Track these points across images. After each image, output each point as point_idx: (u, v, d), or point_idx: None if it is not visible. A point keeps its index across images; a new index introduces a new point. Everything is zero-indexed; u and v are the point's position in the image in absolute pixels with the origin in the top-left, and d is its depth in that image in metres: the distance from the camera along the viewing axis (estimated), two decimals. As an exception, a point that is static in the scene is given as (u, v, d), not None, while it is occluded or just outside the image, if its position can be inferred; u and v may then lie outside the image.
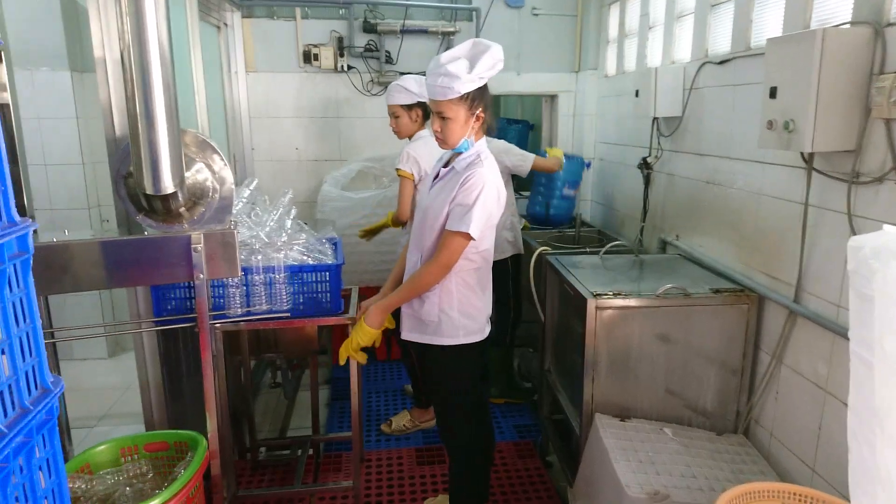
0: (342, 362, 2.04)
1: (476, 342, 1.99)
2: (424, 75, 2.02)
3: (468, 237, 1.81)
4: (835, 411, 1.77)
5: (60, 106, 3.58)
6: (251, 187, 2.71)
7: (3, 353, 0.83)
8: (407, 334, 2.03)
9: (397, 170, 2.73)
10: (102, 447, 1.93)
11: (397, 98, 2.77)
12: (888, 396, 0.94)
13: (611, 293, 2.10)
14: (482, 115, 1.88)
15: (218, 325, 2.08)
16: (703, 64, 2.50)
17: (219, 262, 1.89)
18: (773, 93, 1.79)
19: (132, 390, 3.47)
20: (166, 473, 1.96)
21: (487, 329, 2.05)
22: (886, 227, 0.98)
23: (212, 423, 2.03)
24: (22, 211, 1.88)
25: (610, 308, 2.08)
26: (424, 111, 2.80)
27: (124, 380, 3.60)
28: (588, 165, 3.64)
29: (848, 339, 1.02)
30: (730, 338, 2.12)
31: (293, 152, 3.96)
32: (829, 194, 1.80)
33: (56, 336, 2.01)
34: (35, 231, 1.05)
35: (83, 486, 1.80)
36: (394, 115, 2.82)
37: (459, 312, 1.94)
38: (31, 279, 0.94)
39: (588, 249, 2.89)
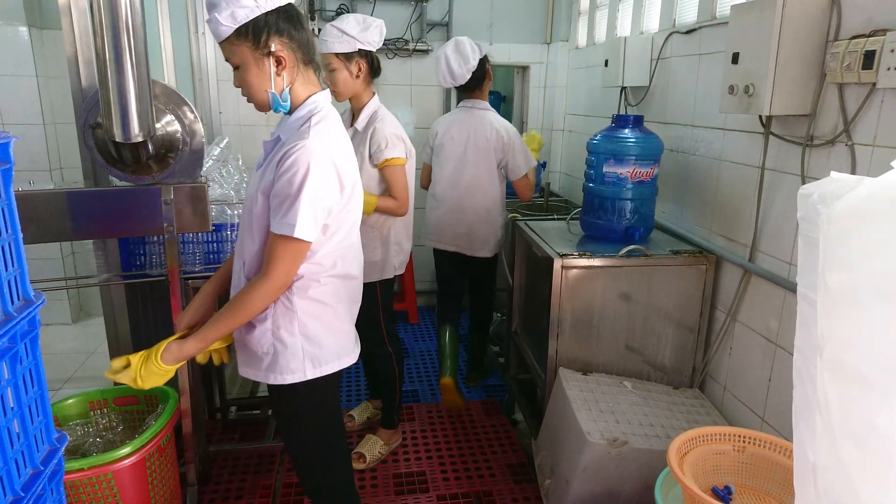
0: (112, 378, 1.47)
1: (331, 374, 1.50)
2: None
3: (299, 242, 1.34)
4: (783, 362, 1.88)
5: (19, 63, 3.46)
6: (221, 145, 2.69)
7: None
8: (241, 368, 1.54)
9: (385, 161, 2.22)
10: (71, 401, 1.93)
11: (332, 45, 2.18)
12: (828, 326, 1.02)
13: (576, 253, 2.17)
14: (279, 52, 1.37)
15: (189, 280, 2.08)
16: (671, 34, 2.56)
17: (189, 217, 1.89)
18: (735, 58, 1.86)
19: (97, 354, 3.44)
20: (137, 427, 1.97)
21: (351, 354, 1.56)
22: (833, 173, 1.06)
23: (183, 380, 2.04)
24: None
25: (575, 268, 2.15)
26: (371, 65, 2.27)
27: (89, 344, 3.56)
28: (543, 165, 3.78)
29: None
30: (688, 297, 2.22)
31: (261, 117, 3.91)
32: (785, 157, 1.88)
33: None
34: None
35: (52, 438, 1.81)
36: (328, 68, 2.22)
37: (304, 338, 1.44)
38: (12, 191, 0.94)
39: (556, 216, 2.95)
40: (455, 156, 2.80)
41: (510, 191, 2.94)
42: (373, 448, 2.50)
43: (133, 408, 1.99)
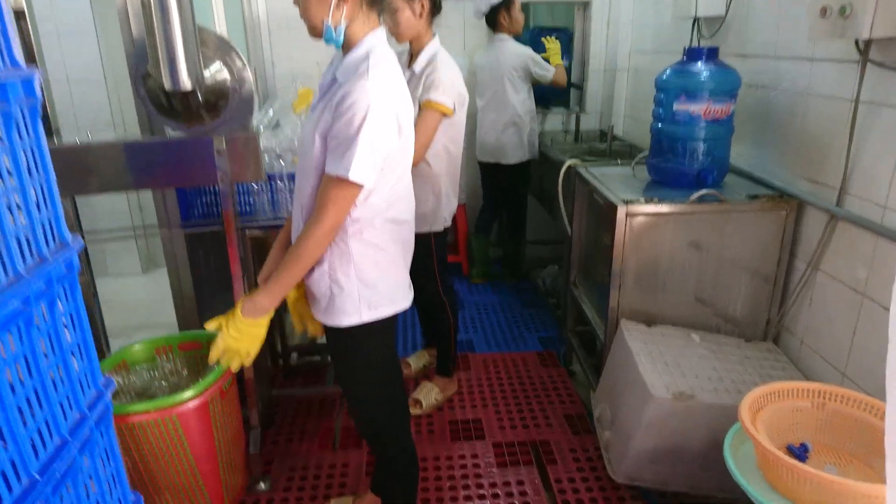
0: (216, 362, 1.50)
1: (387, 318, 1.51)
2: None
3: (353, 185, 1.31)
4: (872, 315, 1.73)
5: (79, 21, 3.52)
6: (274, 108, 2.64)
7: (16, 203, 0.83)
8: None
9: (428, 101, 2.10)
10: (138, 346, 2.00)
11: None
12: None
13: (642, 199, 2.04)
14: None
15: (246, 230, 2.09)
16: (752, -46, 2.30)
17: (242, 166, 1.87)
18: (829, -26, 1.64)
19: (166, 304, 3.59)
20: (201, 371, 2.03)
21: (405, 298, 1.57)
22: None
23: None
24: (48, 129, 1.88)
25: (641, 215, 2.03)
26: (433, 2, 2.15)
27: (159, 294, 3.70)
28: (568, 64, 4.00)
29: (893, 240, 0.95)
30: (765, 245, 2.06)
31: (314, 68, 3.85)
32: (885, 88, 1.67)
33: (87, 239, 2.04)
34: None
35: (121, 381, 1.88)
36: (391, 7, 2.07)
37: (359, 281, 1.45)
38: (41, 129, 0.92)
39: (619, 162, 2.79)
40: (484, 82, 3.41)
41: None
42: (429, 395, 2.51)
43: (197, 353, 2.05)
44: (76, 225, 2.02)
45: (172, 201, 2.14)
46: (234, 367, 1.50)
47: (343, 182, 1.31)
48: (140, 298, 3.69)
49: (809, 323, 2.01)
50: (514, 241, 3.82)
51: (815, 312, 1.98)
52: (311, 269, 1.46)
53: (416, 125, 2.14)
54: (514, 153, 3.41)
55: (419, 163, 2.21)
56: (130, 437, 1.66)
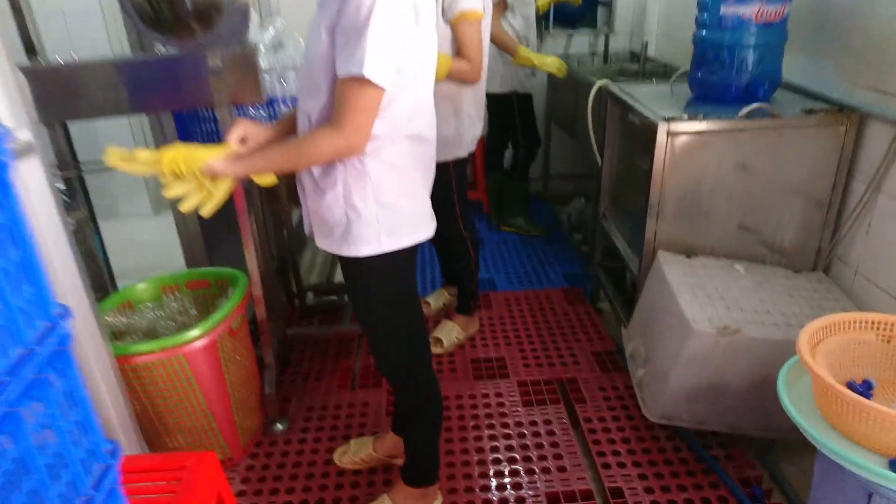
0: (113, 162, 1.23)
1: (408, 248, 1.36)
2: None
3: (372, 86, 1.12)
4: (945, 239, 1.54)
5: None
6: (276, 26, 2.42)
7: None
8: (318, 238, 1.40)
9: (461, 14, 1.90)
10: (143, 285, 1.90)
11: None
12: None
13: (685, 116, 1.83)
14: None
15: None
16: None
17: (241, 86, 1.70)
18: None
19: (176, 245, 3.49)
20: (210, 310, 1.93)
21: (427, 227, 1.41)
22: None
23: (252, 268, 1.94)
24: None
25: (683, 133, 1.83)
26: None
27: (171, 236, 3.61)
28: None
29: None
30: (820, 166, 1.86)
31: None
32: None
33: (88, 170, 1.92)
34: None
35: (124, 321, 1.79)
36: None
37: (378, 205, 1.28)
38: (14, 193, 0.71)
39: (655, 81, 2.55)
40: None
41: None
42: (450, 333, 2.40)
43: (204, 291, 1.94)
44: (70, 156, 1.88)
45: (170, 128, 1.98)
46: (170, 193, 1.26)
47: (361, 83, 1.12)
48: (150, 240, 3.59)
49: (866, 251, 1.83)
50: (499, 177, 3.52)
51: (874, 239, 1.80)
52: (323, 193, 1.29)
53: (460, 43, 1.98)
54: (493, 80, 2.92)
55: (477, 80, 2.04)
56: (136, 379, 1.57)
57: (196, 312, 1.92)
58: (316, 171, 1.29)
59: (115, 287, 2.16)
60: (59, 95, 1.61)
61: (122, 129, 3.50)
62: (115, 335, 1.76)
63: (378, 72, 1.11)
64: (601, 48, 3.56)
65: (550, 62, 2.83)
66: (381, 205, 1.29)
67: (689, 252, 1.98)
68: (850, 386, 1.37)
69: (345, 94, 1.15)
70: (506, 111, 3.17)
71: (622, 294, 2.45)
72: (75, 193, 1.93)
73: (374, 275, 1.36)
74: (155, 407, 1.63)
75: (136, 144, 3.72)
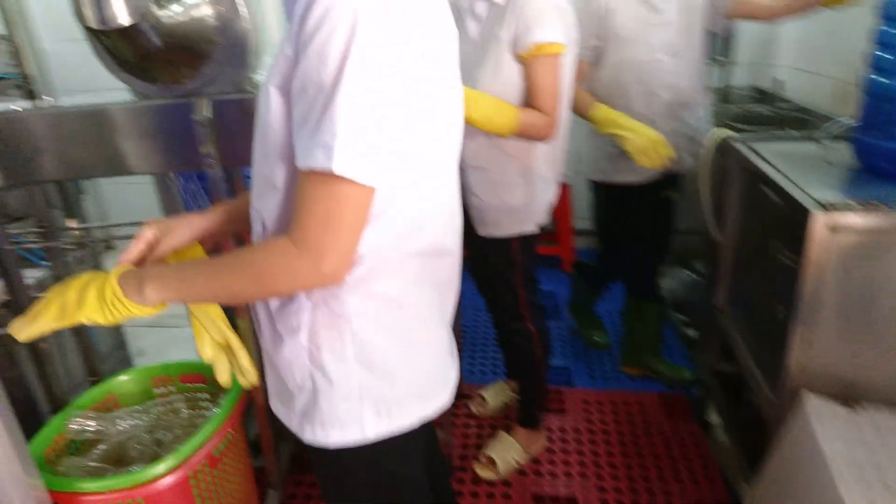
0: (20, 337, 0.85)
1: (413, 432, 0.88)
2: None
3: (348, 183, 0.67)
4: None
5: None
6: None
7: None
8: (271, 399, 0.94)
9: (537, 46, 1.40)
10: (127, 377, 1.58)
11: None
12: None
13: (853, 202, 1.24)
14: None
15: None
16: None
17: (239, 142, 1.32)
18: None
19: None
20: (203, 412, 1.57)
21: (444, 386, 0.94)
22: None
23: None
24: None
25: (852, 229, 1.24)
26: None
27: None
28: None
29: None
30: None
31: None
32: None
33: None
34: None
35: (95, 427, 1.44)
36: None
37: (362, 365, 0.82)
38: None
39: (797, 134, 1.93)
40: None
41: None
42: (506, 453, 1.88)
43: (200, 389, 1.59)
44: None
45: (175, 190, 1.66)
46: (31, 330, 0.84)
47: (329, 180, 0.67)
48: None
49: None
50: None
51: None
52: (280, 339, 0.83)
53: (531, 86, 1.45)
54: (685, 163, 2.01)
55: (552, 137, 1.51)
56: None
57: (187, 414, 1.56)
58: (273, 301, 0.85)
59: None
60: (9, 154, 1.29)
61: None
62: (79, 448, 1.43)
63: (359, 163, 0.66)
64: (715, 81, 2.89)
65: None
66: (366, 367, 0.82)
67: (849, 392, 1.35)
68: None
69: (309, 196, 0.69)
70: (648, 206, 2.08)
71: (740, 408, 1.83)
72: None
73: (351, 472, 0.88)
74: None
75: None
